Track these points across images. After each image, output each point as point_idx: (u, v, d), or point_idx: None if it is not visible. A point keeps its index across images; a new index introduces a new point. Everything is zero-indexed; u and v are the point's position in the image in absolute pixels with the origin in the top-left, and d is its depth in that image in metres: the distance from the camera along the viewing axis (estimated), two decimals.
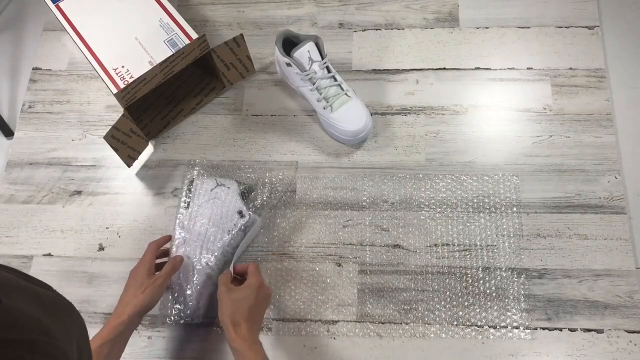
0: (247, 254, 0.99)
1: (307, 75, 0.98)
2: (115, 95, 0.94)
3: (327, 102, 0.99)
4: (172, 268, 0.88)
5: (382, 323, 0.93)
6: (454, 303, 0.93)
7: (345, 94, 0.99)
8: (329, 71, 1.00)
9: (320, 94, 0.99)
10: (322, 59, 0.99)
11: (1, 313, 0.35)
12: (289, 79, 1.05)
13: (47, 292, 0.41)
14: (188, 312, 0.93)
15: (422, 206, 1.00)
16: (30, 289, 0.40)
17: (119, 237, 1.02)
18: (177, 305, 0.92)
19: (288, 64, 1.00)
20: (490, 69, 1.10)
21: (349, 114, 0.99)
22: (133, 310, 0.82)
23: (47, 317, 0.38)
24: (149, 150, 1.08)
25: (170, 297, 0.93)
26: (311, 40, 0.98)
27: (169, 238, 0.95)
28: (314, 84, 0.99)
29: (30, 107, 1.14)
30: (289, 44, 1.02)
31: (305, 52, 0.97)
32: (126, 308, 0.82)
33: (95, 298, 0.98)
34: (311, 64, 0.98)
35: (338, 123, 0.99)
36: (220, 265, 0.93)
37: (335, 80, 1.00)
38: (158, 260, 0.91)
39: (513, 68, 1.09)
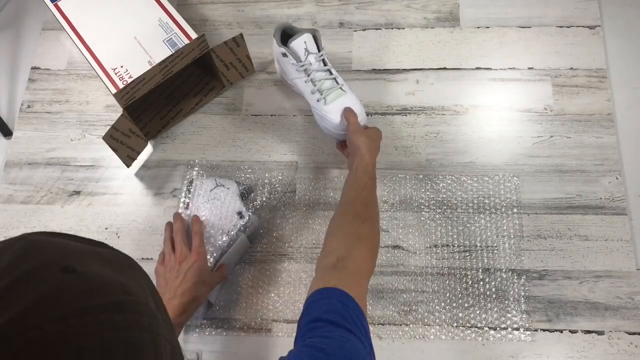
0: (247, 255, 0.98)
1: (302, 66, 0.96)
2: (114, 95, 0.93)
3: (321, 94, 0.96)
4: (201, 238, 0.90)
5: (382, 324, 0.93)
6: (454, 304, 0.93)
7: (340, 87, 0.96)
8: (324, 64, 0.98)
9: (315, 85, 0.97)
10: (319, 51, 0.97)
11: (81, 281, 0.35)
12: (285, 73, 1.04)
13: (107, 250, 0.42)
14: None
15: (422, 207, 0.99)
16: (92, 251, 0.40)
17: (118, 237, 1.02)
18: None
19: (284, 54, 0.98)
20: (491, 68, 1.09)
21: (343, 107, 0.96)
22: (196, 307, 0.86)
23: (119, 275, 0.38)
24: (148, 150, 1.08)
25: None
26: (308, 32, 0.96)
27: (179, 216, 0.95)
28: (308, 75, 0.97)
29: (29, 106, 1.13)
30: (287, 37, 1.01)
31: (302, 42, 0.96)
32: (191, 304, 0.83)
33: None
34: (307, 55, 0.96)
35: (330, 115, 0.96)
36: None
37: (331, 73, 0.98)
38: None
39: (514, 68, 1.09)
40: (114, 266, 0.40)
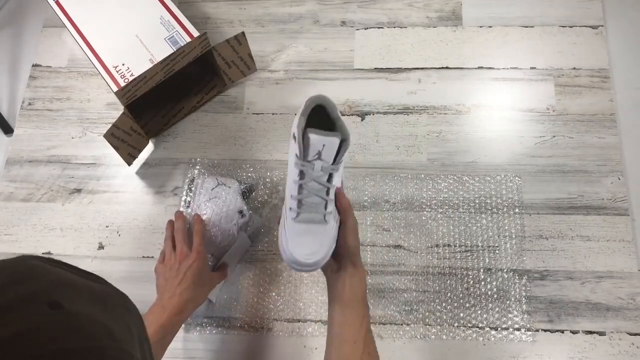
0: (247, 254, 0.98)
1: (303, 165, 0.72)
2: (116, 93, 0.93)
3: (299, 208, 0.73)
4: (202, 238, 0.88)
5: (383, 324, 0.92)
6: (455, 304, 0.93)
7: (324, 216, 0.74)
8: (329, 180, 0.74)
9: (299, 193, 0.73)
10: (334, 162, 0.73)
11: (65, 320, 0.34)
12: (289, 153, 0.79)
13: (102, 287, 0.40)
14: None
15: (423, 206, 0.99)
16: (86, 286, 0.39)
17: (119, 235, 1.02)
18: None
19: (293, 136, 0.73)
20: (493, 68, 1.09)
21: (307, 239, 0.73)
22: (194, 308, 0.84)
23: (108, 317, 0.37)
24: (149, 148, 1.07)
25: None
26: (338, 137, 0.71)
27: (180, 214, 0.94)
28: (301, 178, 0.73)
29: (29, 104, 1.13)
30: (323, 117, 0.75)
31: (321, 143, 0.71)
32: (188, 304, 0.82)
33: None
34: (316, 158, 0.72)
35: (289, 237, 0.73)
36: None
37: (327, 194, 0.74)
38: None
39: (516, 67, 1.09)
40: (106, 305, 0.38)
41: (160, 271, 0.87)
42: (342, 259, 0.75)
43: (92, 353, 0.33)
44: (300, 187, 0.73)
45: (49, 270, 0.38)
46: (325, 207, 0.74)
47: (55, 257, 0.99)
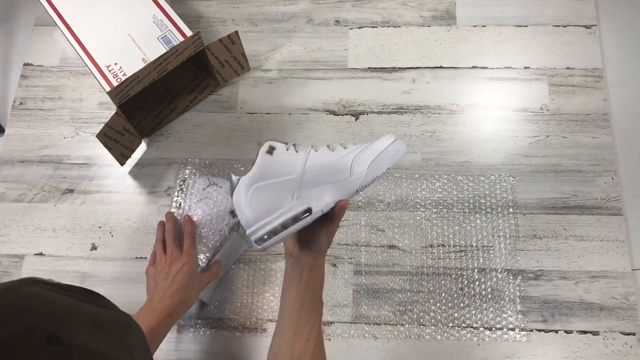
0: (241, 255, 0.98)
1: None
2: (108, 93, 0.92)
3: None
4: (192, 240, 0.88)
5: (378, 324, 0.92)
6: (450, 304, 0.93)
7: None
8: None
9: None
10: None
11: (65, 357, 0.32)
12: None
13: (103, 311, 0.38)
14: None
15: (418, 206, 0.99)
16: (88, 313, 0.37)
17: (112, 236, 1.01)
18: None
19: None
20: (487, 67, 1.09)
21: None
22: (184, 310, 0.83)
23: (109, 346, 0.35)
24: (142, 148, 1.07)
25: None
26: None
27: (171, 216, 0.93)
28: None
29: (21, 103, 1.12)
30: None
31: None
32: (179, 307, 0.82)
33: None
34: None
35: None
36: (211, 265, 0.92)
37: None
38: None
39: (510, 67, 1.09)
40: (107, 332, 0.36)
41: (151, 273, 0.86)
42: (308, 248, 0.72)
43: None
44: None
45: (46, 300, 0.35)
46: None
47: (48, 258, 0.99)
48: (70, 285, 0.39)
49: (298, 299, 0.70)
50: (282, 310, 0.71)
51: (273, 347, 0.71)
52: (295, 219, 0.67)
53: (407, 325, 0.92)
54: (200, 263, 0.90)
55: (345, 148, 0.71)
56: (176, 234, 0.89)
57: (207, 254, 0.91)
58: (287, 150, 0.69)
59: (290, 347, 0.69)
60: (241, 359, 0.92)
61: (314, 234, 0.71)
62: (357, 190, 0.70)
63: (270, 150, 0.69)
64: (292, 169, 0.68)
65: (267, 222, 0.66)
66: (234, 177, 0.69)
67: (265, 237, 0.66)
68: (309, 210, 0.67)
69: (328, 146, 0.72)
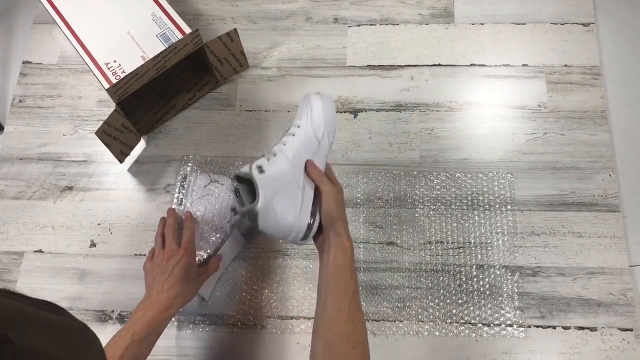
0: (241, 252, 0.98)
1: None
2: (107, 90, 0.93)
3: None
4: (191, 234, 0.88)
5: (376, 321, 0.93)
6: (448, 301, 0.93)
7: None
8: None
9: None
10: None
11: (14, 356, 0.32)
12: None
13: (58, 318, 0.38)
14: (180, 309, 0.93)
15: (416, 203, 0.99)
16: (41, 318, 0.37)
17: (111, 233, 1.01)
18: None
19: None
20: (485, 65, 1.09)
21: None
22: (182, 303, 0.83)
23: (62, 351, 0.35)
24: (141, 145, 1.07)
25: None
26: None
27: (172, 211, 0.93)
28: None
29: (20, 101, 1.12)
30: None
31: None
32: (176, 300, 0.81)
33: (87, 295, 0.97)
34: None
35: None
36: None
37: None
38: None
39: (508, 65, 1.09)
40: (61, 339, 0.36)
41: (149, 268, 0.87)
42: (324, 229, 0.75)
43: None
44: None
45: (1, 304, 0.35)
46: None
47: (47, 255, 0.99)
48: (29, 296, 0.39)
49: (327, 277, 0.73)
50: (318, 291, 0.74)
51: (313, 326, 0.73)
52: (314, 206, 0.75)
53: (405, 322, 0.92)
54: (201, 259, 0.91)
55: (298, 127, 0.79)
56: (175, 229, 0.89)
57: (209, 251, 0.91)
58: (268, 160, 0.75)
59: (322, 320, 0.71)
60: (240, 355, 0.92)
61: (321, 214, 0.75)
62: (329, 148, 0.80)
63: (261, 170, 0.74)
64: (283, 169, 0.74)
65: (301, 219, 0.74)
66: (245, 208, 0.75)
67: (307, 232, 0.74)
68: (317, 189, 0.76)
69: (287, 133, 0.79)
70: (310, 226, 0.74)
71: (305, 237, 0.74)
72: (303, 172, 0.77)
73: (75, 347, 0.37)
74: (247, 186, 0.76)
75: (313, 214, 0.75)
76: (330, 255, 0.73)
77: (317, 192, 0.76)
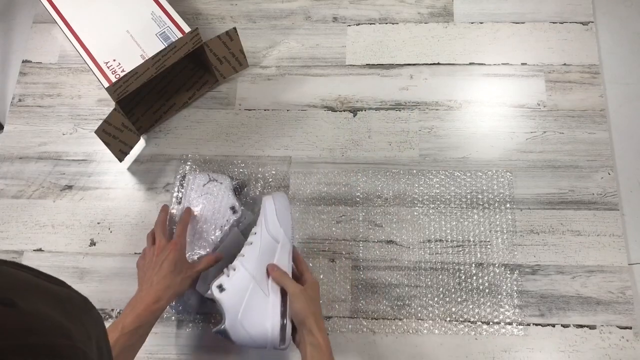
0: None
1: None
2: (107, 89, 0.93)
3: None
4: (184, 227, 0.89)
5: (376, 319, 0.93)
6: (447, 299, 0.93)
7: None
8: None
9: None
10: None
11: (18, 317, 0.33)
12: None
13: (62, 290, 0.40)
14: (180, 308, 0.93)
15: (415, 202, 1.00)
16: (46, 288, 0.38)
17: (111, 232, 1.01)
18: None
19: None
20: (484, 64, 1.09)
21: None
22: (172, 295, 0.83)
23: (64, 318, 0.36)
24: (140, 144, 1.07)
25: None
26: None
27: (164, 207, 0.94)
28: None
29: (20, 100, 1.12)
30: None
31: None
32: (165, 292, 0.81)
33: (87, 294, 0.95)
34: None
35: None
36: None
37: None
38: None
39: (507, 63, 1.09)
40: (64, 307, 0.37)
41: (140, 265, 0.87)
42: (297, 328, 0.78)
43: (44, 349, 0.33)
44: None
45: (9, 272, 0.37)
46: None
47: (47, 254, 0.99)
48: (35, 269, 0.40)
49: None
50: None
51: None
52: (283, 307, 0.79)
53: (405, 320, 0.92)
54: (201, 259, 0.91)
55: (255, 234, 0.84)
56: (164, 224, 0.90)
57: (208, 249, 0.91)
58: (229, 276, 0.81)
59: None
60: (240, 354, 0.93)
61: (294, 318, 0.79)
62: (291, 244, 0.85)
63: (222, 288, 0.80)
64: (244, 282, 0.80)
65: (273, 325, 0.78)
66: (213, 329, 0.81)
67: (282, 334, 0.78)
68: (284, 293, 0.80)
69: (246, 243, 0.85)
70: (283, 327, 0.77)
71: (282, 340, 0.77)
72: (267, 277, 0.81)
73: (78, 317, 0.38)
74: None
75: (283, 315, 0.78)
76: (307, 356, 0.75)
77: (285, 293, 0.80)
